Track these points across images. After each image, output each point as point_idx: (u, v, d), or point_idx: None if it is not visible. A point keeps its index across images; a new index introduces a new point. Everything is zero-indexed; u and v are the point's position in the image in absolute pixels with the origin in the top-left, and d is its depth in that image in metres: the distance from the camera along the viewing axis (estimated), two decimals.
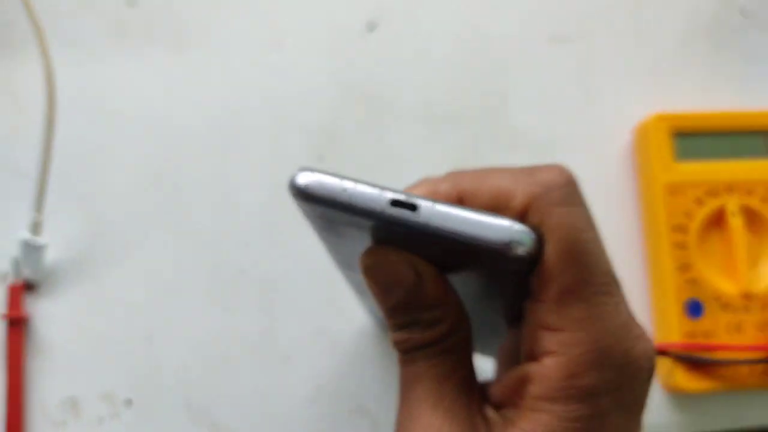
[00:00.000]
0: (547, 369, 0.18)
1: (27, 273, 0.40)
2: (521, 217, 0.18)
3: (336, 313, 0.40)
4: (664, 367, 0.39)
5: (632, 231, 0.42)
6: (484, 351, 0.28)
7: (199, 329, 0.40)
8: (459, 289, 0.20)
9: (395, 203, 0.17)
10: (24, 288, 0.40)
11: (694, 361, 0.37)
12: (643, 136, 0.42)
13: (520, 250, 0.17)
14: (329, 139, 0.43)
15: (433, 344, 0.19)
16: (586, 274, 0.18)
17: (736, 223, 0.39)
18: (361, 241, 0.19)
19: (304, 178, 0.18)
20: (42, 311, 0.40)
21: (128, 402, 0.39)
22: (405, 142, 0.44)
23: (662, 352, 0.38)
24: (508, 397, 0.19)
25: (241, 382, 0.40)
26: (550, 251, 0.18)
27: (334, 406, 0.40)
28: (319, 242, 0.23)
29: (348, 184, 0.18)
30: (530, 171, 0.19)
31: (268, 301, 0.41)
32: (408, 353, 0.20)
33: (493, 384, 0.20)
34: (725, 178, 0.40)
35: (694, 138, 0.41)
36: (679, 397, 0.40)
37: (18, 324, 0.40)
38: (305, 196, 0.18)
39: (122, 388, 0.39)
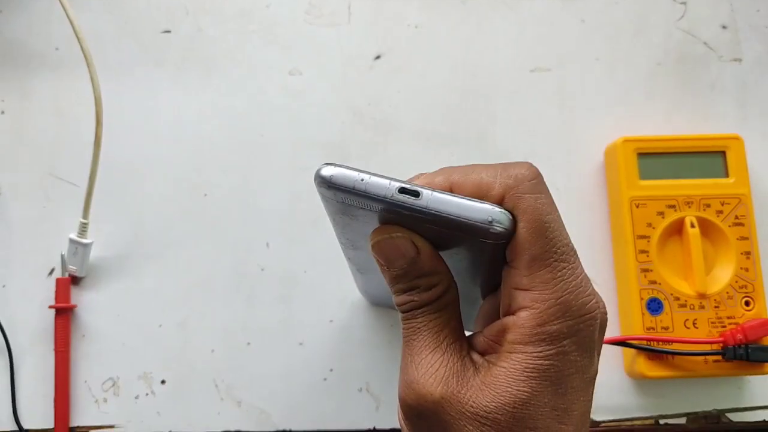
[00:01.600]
0: (522, 320, 0.20)
1: (73, 269, 0.43)
2: (499, 202, 0.21)
3: (345, 305, 0.42)
4: (627, 356, 0.42)
5: (603, 238, 0.44)
6: (465, 323, 0.31)
7: (225, 318, 0.42)
8: (448, 263, 0.23)
9: (402, 191, 0.20)
10: (70, 281, 0.44)
11: (654, 352, 0.40)
12: (612, 155, 0.44)
13: (498, 227, 0.20)
14: (340, 154, 0.46)
15: (429, 303, 0.22)
16: (550, 245, 0.20)
17: (693, 233, 0.41)
18: (370, 223, 0.22)
19: (329, 171, 0.21)
20: (87, 302, 0.43)
21: (163, 382, 0.42)
22: (405, 158, 0.45)
23: (626, 343, 0.40)
24: (489, 345, 0.22)
25: (262, 365, 0.42)
26: (521, 228, 0.20)
27: (343, 386, 0.41)
28: (332, 226, 0.25)
29: (364, 176, 0.20)
30: (505, 167, 0.21)
31: (285, 294, 0.43)
32: (409, 312, 0.22)
33: (476, 336, 0.23)
34: (684, 193, 0.42)
35: (657, 158, 0.43)
36: (640, 382, 0.42)
37: (65, 313, 0.43)
38: (329, 185, 0.20)
39: (158, 370, 0.42)
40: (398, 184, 0.20)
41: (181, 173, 0.44)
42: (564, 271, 0.20)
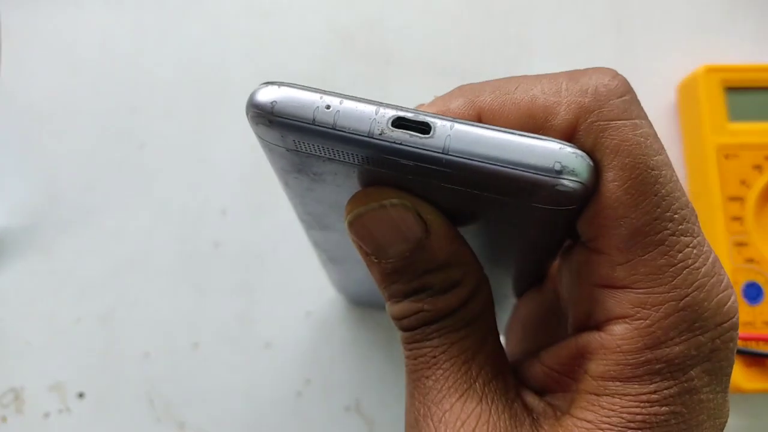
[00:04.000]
0: (618, 338, 0.15)
1: None
2: (568, 137, 0.15)
3: (327, 294, 0.38)
4: None
5: None
6: None
7: (164, 311, 0.38)
8: (476, 248, 0.17)
9: (399, 123, 0.14)
10: None
11: (754, 356, 0.34)
12: (689, 92, 0.39)
13: (571, 181, 0.14)
14: None
15: (450, 315, 0.16)
16: (662, 209, 0.15)
17: None
18: (345, 185, 0.17)
19: (270, 94, 0.15)
20: None
21: (80, 395, 0.37)
22: (408, 98, 0.41)
23: None
24: (554, 379, 0.17)
25: (214, 374, 0.38)
26: (611, 181, 0.15)
27: (323, 403, 0.37)
28: (285, 192, 0.19)
29: (332, 100, 0.14)
30: (573, 76, 0.15)
31: (247, 279, 0.39)
32: (417, 330, 0.17)
33: (528, 363, 0.18)
34: None
35: (751, 94, 0.38)
36: (734, 399, 0.36)
37: None
38: (271, 118, 0.14)
39: (74, 379, 0.37)
40: (393, 112, 0.15)
41: (108, 118, 0.41)
42: (687, 251, 0.15)
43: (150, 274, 0.38)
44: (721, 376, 0.16)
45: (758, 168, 0.36)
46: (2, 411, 0.36)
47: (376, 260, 0.17)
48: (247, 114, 0.15)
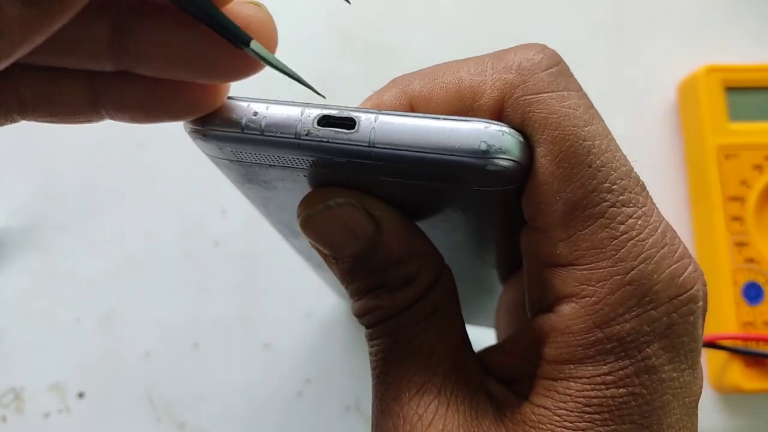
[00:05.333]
0: (567, 319, 0.14)
1: None
2: (496, 115, 0.15)
3: (327, 295, 0.37)
4: (716, 362, 0.36)
5: (677, 202, 0.39)
6: (477, 319, 0.25)
7: (164, 310, 0.38)
8: (434, 239, 0.17)
9: (325, 121, 0.14)
10: None
11: (754, 356, 0.34)
12: (689, 92, 0.39)
13: (500, 160, 0.14)
14: (325, 93, 0.40)
15: (408, 309, 0.16)
16: (598, 180, 0.14)
17: None
18: (296, 192, 0.16)
19: None
20: None
21: (80, 395, 0.37)
22: None
23: (715, 344, 0.34)
24: (517, 366, 0.16)
25: (214, 374, 0.38)
26: (543, 157, 0.14)
27: (323, 403, 0.37)
28: (251, 203, 0.20)
29: (259, 107, 0.15)
30: (498, 55, 0.15)
31: (247, 279, 0.39)
32: (377, 326, 0.16)
33: (494, 351, 0.17)
34: None
35: (751, 94, 0.38)
36: (734, 398, 0.37)
37: None
38: (205, 132, 0.15)
39: (74, 379, 0.37)
40: (317, 112, 0.15)
41: None
42: (631, 222, 0.14)
43: (150, 274, 0.38)
44: (685, 352, 0.15)
45: (758, 168, 0.36)
46: (2, 411, 0.36)
47: (333, 261, 0.16)
48: (186, 131, 0.15)
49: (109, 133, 0.40)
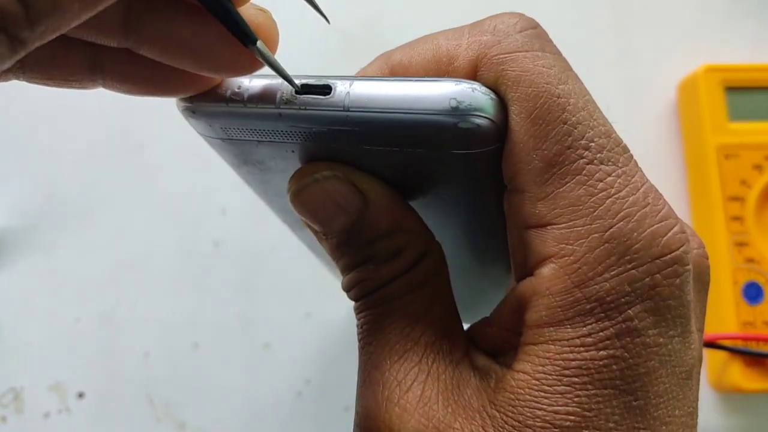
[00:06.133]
0: (546, 281, 0.14)
1: None
2: (470, 75, 0.15)
3: (326, 295, 0.37)
4: (715, 362, 0.36)
5: (677, 201, 0.39)
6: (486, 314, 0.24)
7: (164, 310, 0.38)
8: (431, 220, 0.17)
9: (305, 90, 0.15)
10: None
11: (753, 355, 0.34)
12: (689, 91, 0.39)
13: (472, 118, 0.14)
14: None
15: (393, 281, 0.16)
16: (574, 137, 0.14)
17: None
18: (289, 172, 0.17)
19: None
20: None
21: (80, 395, 0.37)
22: None
23: (714, 344, 0.34)
24: (503, 337, 0.16)
25: (214, 374, 0.37)
26: (517, 115, 0.14)
27: (323, 403, 0.37)
28: (257, 192, 0.20)
29: (243, 81, 0.15)
30: (477, 23, 0.15)
31: (247, 279, 0.39)
32: (365, 298, 0.16)
33: (482, 326, 0.17)
34: None
35: (751, 94, 0.38)
36: (733, 398, 0.36)
37: None
38: (194, 108, 0.15)
39: (74, 379, 0.37)
40: (298, 81, 0.15)
41: (107, 115, 0.40)
42: (610, 180, 0.14)
43: (150, 274, 0.38)
44: (673, 318, 0.14)
45: (758, 168, 0.36)
46: (2, 411, 0.36)
47: (322, 235, 0.17)
48: (179, 109, 0.16)
49: (109, 134, 0.40)
